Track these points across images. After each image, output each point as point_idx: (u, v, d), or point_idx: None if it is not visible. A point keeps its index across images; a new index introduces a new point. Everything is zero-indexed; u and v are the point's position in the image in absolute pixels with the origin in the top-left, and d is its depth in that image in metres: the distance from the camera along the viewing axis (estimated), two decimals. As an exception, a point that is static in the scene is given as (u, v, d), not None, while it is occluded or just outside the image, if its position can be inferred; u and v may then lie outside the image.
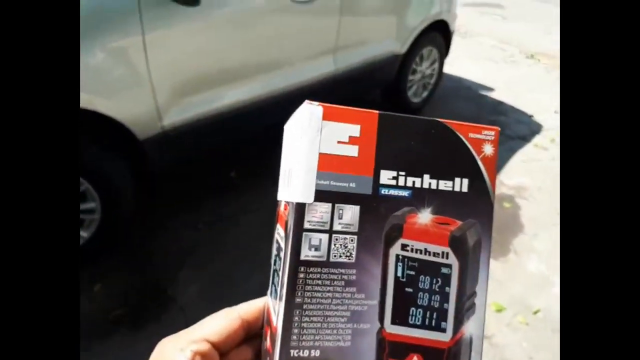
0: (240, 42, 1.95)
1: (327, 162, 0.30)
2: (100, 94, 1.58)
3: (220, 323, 0.32)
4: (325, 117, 0.30)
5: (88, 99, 1.53)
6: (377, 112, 0.31)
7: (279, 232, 0.33)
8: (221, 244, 2.01)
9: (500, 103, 3.78)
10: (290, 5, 2.09)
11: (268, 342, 0.32)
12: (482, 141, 0.33)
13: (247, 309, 0.34)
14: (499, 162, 2.90)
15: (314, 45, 2.34)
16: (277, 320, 0.30)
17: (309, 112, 0.30)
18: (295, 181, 0.30)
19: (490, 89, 4.02)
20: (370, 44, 2.67)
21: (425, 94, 3.36)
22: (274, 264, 0.34)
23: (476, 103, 3.74)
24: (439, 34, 3.15)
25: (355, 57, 2.56)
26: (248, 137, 2.45)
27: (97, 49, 1.53)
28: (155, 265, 1.90)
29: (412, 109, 3.27)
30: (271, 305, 0.33)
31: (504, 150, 3.08)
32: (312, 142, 0.30)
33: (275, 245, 0.35)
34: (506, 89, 4.04)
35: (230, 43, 1.92)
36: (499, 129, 0.34)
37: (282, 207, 0.33)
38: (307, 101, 0.30)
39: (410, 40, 2.88)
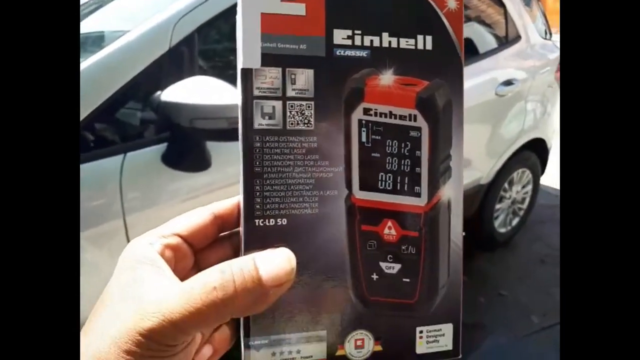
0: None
1: (271, 23, 0.29)
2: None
3: (191, 219, 0.32)
4: None
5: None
6: None
7: None
8: None
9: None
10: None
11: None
12: None
13: (220, 205, 0.33)
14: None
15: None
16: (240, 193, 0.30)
17: None
18: (240, 46, 0.29)
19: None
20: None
21: (515, 221, 2.67)
22: None
23: (582, 228, 2.95)
24: (533, 153, 2.52)
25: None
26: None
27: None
28: None
29: (498, 241, 2.59)
30: None
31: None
32: (252, 1, 0.28)
33: None
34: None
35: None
36: None
37: None
38: None
39: (498, 166, 2.28)
